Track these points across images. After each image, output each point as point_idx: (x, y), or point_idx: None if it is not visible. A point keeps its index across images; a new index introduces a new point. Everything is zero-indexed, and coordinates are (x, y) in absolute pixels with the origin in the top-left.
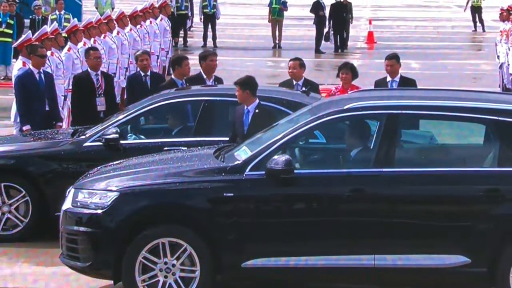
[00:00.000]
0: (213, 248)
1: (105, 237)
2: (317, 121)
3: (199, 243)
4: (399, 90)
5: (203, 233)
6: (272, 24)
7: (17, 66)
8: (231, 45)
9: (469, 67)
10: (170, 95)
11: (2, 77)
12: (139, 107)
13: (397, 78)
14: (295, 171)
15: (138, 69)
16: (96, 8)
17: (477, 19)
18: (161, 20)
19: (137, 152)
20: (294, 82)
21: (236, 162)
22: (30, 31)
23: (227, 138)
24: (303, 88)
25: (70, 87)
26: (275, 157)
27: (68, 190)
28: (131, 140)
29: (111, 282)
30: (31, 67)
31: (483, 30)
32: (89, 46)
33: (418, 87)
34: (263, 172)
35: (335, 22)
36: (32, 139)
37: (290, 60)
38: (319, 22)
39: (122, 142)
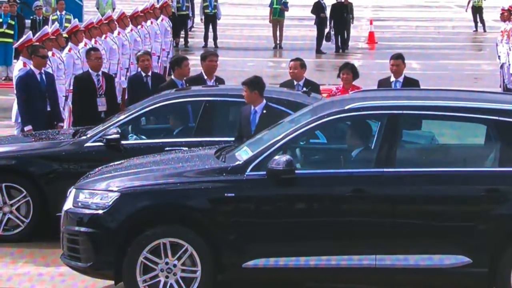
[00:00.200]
0: (214, 248)
1: (106, 237)
2: (318, 121)
3: (200, 243)
4: (400, 90)
5: (204, 233)
6: (273, 25)
7: (18, 66)
8: (232, 45)
9: (470, 67)
10: (171, 96)
11: (3, 78)
12: (140, 107)
13: (400, 79)
14: (296, 171)
15: (139, 69)
16: (97, 8)
17: (478, 19)
18: (162, 20)
19: (138, 152)
20: (295, 83)
21: (237, 163)
22: (30, 32)
23: (228, 139)
24: (304, 89)
25: (71, 88)
26: (276, 157)
27: (69, 191)
28: (132, 140)
29: (112, 282)
30: (32, 67)
31: (484, 30)
32: (90, 46)
33: (420, 87)
34: (264, 173)
35: (336, 23)
36: (33, 139)
37: (291, 61)
38: (320, 23)
39: (123, 142)
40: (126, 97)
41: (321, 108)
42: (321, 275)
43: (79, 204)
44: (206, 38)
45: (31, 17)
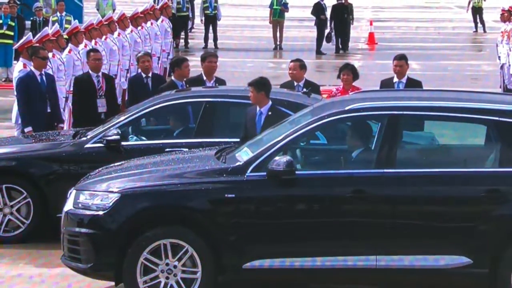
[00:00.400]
0: (214, 249)
1: (107, 238)
2: (318, 122)
3: (201, 244)
4: (400, 91)
5: (205, 234)
6: (273, 26)
7: (18, 68)
8: (232, 46)
9: (470, 68)
10: (171, 97)
11: (3, 79)
12: (140, 108)
13: (404, 80)
14: (297, 172)
15: (139, 70)
16: (97, 9)
17: (478, 20)
18: (162, 21)
19: (138, 153)
20: (295, 83)
21: (238, 163)
22: (30, 33)
23: (228, 140)
24: (304, 89)
25: (71, 89)
26: (277, 158)
27: (69, 192)
28: (132, 141)
29: (113, 283)
30: (32, 69)
31: (484, 31)
32: (90, 47)
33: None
34: (265, 173)
35: (336, 23)
36: (33, 140)
37: (291, 62)
38: (320, 24)
39: (123, 143)
40: (126, 98)
41: (321, 109)
42: (321, 275)
43: (80, 205)
44: (206, 39)
45: (31, 18)
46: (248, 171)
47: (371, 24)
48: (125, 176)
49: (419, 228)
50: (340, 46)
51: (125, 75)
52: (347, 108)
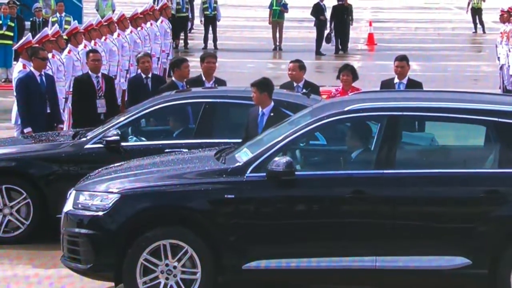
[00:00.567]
0: (214, 250)
1: (106, 239)
2: (318, 122)
3: (200, 245)
4: (399, 91)
5: (204, 235)
6: (272, 26)
7: (17, 68)
8: (232, 47)
9: (469, 68)
10: (171, 97)
11: (3, 80)
12: (140, 109)
13: (404, 80)
14: (296, 173)
15: (139, 71)
16: (97, 10)
17: (477, 20)
18: (161, 22)
19: (138, 154)
20: (295, 84)
21: (237, 164)
22: (30, 34)
23: (228, 140)
24: (304, 90)
25: (71, 89)
26: (276, 159)
27: (69, 192)
28: (132, 142)
29: (112, 284)
30: (32, 69)
31: (484, 32)
32: (90, 48)
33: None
34: (264, 174)
35: (336, 24)
36: (33, 141)
37: (290, 62)
38: (319, 25)
39: (123, 144)
40: (126, 99)
41: (320, 109)
42: (321, 276)
43: (79, 205)
44: (206, 39)
45: (31, 19)
46: (248, 172)
47: (370, 25)
48: (124, 176)
49: (418, 228)
50: (340, 47)
51: (124, 76)
52: (346, 108)
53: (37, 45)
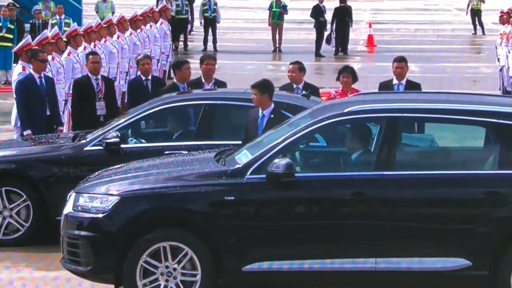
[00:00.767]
0: (214, 252)
1: (106, 241)
2: (318, 124)
3: (200, 247)
4: (399, 93)
5: (204, 237)
6: (272, 28)
7: (17, 70)
8: (232, 49)
9: (469, 70)
10: (171, 99)
11: (3, 82)
12: (140, 111)
13: (403, 82)
14: (296, 174)
15: (139, 73)
16: (96, 12)
17: (476, 22)
18: (161, 24)
19: (137, 156)
20: (294, 86)
21: (237, 166)
22: (29, 36)
23: (227, 142)
24: (303, 92)
25: (71, 92)
26: (276, 160)
27: (69, 194)
28: (131, 144)
29: (112, 286)
30: (31, 71)
31: (483, 33)
32: (89, 50)
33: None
34: (264, 176)
35: (337, 26)
36: (32, 143)
37: (290, 64)
38: (319, 26)
39: (122, 146)
40: (125, 101)
41: (320, 111)
42: (321, 278)
43: (79, 208)
44: (205, 41)
45: (31, 21)
46: (248, 174)
47: (370, 26)
48: (124, 178)
49: (418, 230)
50: (340, 49)
51: (124, 78)
52: (346, 110)
53: (36, 47)
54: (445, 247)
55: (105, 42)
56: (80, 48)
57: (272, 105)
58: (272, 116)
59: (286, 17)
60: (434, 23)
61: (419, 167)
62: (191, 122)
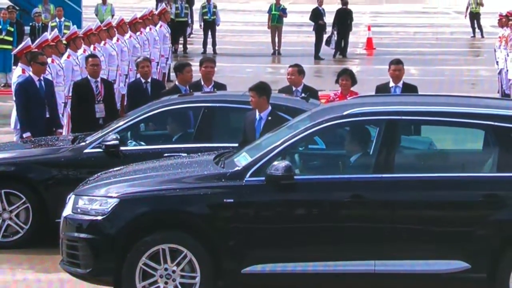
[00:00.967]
0: (213, 254)
1: (105, 243)
2: (317, 127)
3: (199, 249)
4: (398, 96)
5: (203, 239)
6: (271, 31)
7: (17, 73)
8: (231, 51)
9: (467, 73)
10: (170, 102)
11: (2, 84)
12: (139, 113)
13: (400, 84)
14: (295, 177)
15: (138, 75)
16: (96, 15)
17: (475, 25)
18: (160, 26)
19: (137, 158)
20: (294, 89)
21: (236, 168)
22: (29, 38)
23: (227, 144)
24: (303, 94)
25: (70, 94)
26: (275, 163)
27: (68, 197)
28: (131, 146)
29: None
30: (31, 74)
31: (482, 36)
32: (89, 53)
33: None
34: (263, 178)
35: (339, 28)
36: (32, 146)
37: (289, 67)
38: (318, 29)
39: (122, 148)
40: (125, 103)
41: (319, 113)
42: (320, 280)
43: (78, 210)
44: (205, 44)
45: (30, 23)
46: (247, 176)
47: (369, 29)
48: (124, 181)
49: (417, 232)
50: (338, 52)
51: (124, 80)
52: (345, 113)
53: (36, 50)
54: (444, 249)
55: (104, 44)
56: (80, 51)
57: (270, 108)
58: (269, 118)
59: (285, 20)
60: (433, 26)
61: (418, 169)
62: (190, 125)
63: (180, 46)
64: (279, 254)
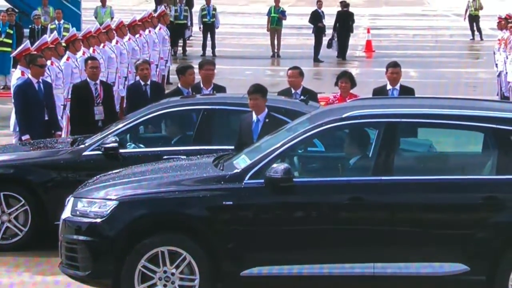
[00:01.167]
0: (212, 256)
1: (105, 246)
2: (316, 129)
3: (199, 251)
4: (397, 98)
5: (203, 241)
6: (270, 33)
7: (16, 75)
8: (230, 54)
9: (467, 75)
10: (169, 104)
11: (1, 87)
12: (139, 116)
13: (397, 87)
14: (294, 179)
15: (138, 78)
16: (95, 17)
17: (475, 27)
18: (159, 29)
19: (136, 161)
20: (293, 91)
21: (235, 171)
22: (28, 41)
23: (226, 147)
24: (302, 97)
25: (69, 96)
26: (274, 165)
27: (67, 199)
28: (130, 149)
29: None
30: (30, 76)
31: (481, 39)
32: (88, 55)
33: (417, 95)
34: (262, 181)
35: (341, 30)
36: (31, 148)
37: (289, 69)
38: (317, 31)
39: (121, 151)
40: (124, 106)
41: (319, 116)
42: (320, 283)
43: (78, 212)
44: (204, 46)
45: (30, 26)
46: (246, 179)
47: (368, 32)
48: (123, 183)
49: (416, 235)
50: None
51: (123, 83)
52: (344, 115)
53: (35, 52)
54: (443, 252)
55: (104, 47)
56: (79, 53)
57: (266, 110)
58: (267, 120)
59: (284, 22)
60: (432, 28)
61: (417, 172)
62: (189, 127)
63: (180, 48)
64: (278, 256)
